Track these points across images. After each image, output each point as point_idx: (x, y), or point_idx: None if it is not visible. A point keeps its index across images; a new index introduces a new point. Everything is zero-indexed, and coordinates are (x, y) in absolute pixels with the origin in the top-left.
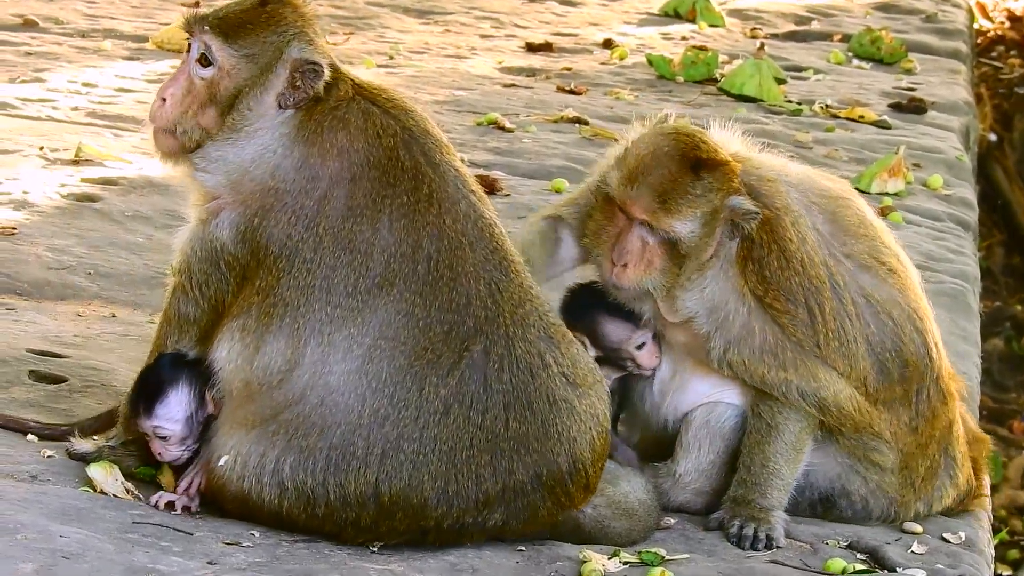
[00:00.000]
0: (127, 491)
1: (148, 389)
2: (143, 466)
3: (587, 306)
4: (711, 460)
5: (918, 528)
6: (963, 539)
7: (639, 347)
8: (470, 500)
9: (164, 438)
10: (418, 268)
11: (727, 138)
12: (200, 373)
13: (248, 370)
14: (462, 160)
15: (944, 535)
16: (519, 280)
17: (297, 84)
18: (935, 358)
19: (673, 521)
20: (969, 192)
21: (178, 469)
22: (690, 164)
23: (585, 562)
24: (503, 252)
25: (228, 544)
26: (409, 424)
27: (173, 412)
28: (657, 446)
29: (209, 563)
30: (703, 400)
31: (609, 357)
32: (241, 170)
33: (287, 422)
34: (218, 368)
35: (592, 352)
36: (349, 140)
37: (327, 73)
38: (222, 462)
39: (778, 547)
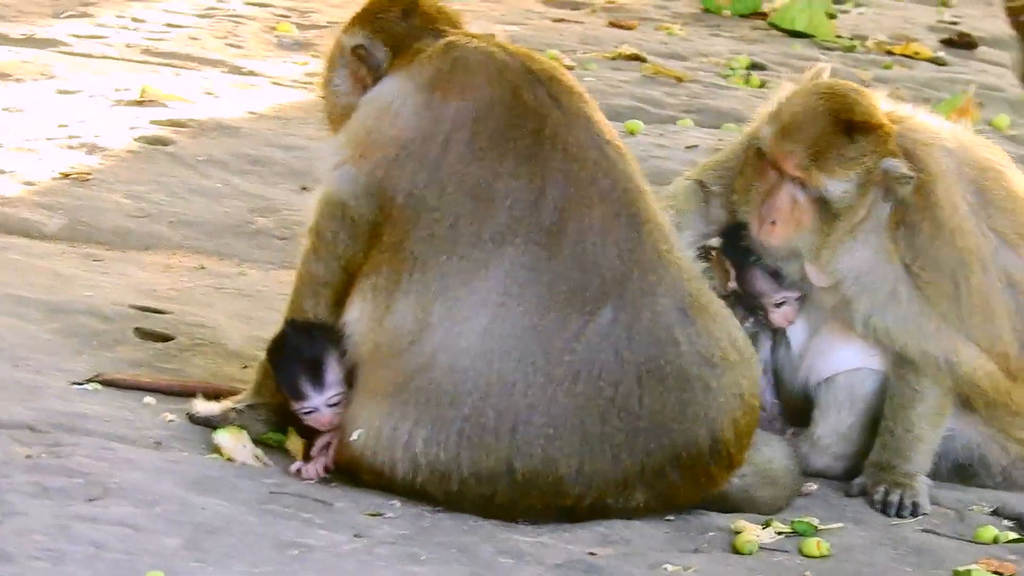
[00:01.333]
0: (256, 458)
1: (306, 362)
2: (271, 431)
3: (743, 246)
4: (851, 424)
5: None
6: None
7: (778, 304)
8: (608, 480)
9: (335, 404)
10: (541, 217)
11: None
12: (330, 330)
13: (379, 331)
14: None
15: None
16: (653, 243)
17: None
18: None
19: (815, 487)
20: None
21: (306, 434)
22: (845, 125)
23: (739, 532)
24: (637, 209)
25: (371, 515)
26: (537, 393)
27: (337, 374)
28: (791, 408)
29: (356, 536)
30: (845, 365)
31: (746, 301)
32: (359, 123)
33: (418, 390)
34: (349, 332)
35: (732, 285)
36: (470, 78)
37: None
38: (355, 436)
39: (924, 513)
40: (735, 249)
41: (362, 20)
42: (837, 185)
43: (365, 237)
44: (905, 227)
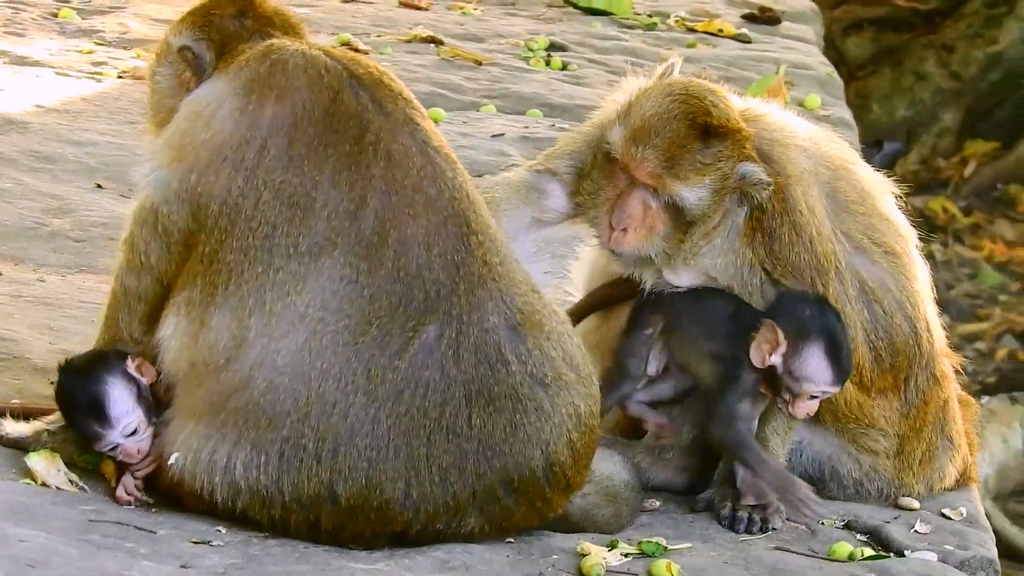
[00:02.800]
0: (71, 482)
1: (87, 404)
2: (85, 454)
3: (802, 321)
4: (693, 436)
5: (915, 504)
6: (964, 515)
7: (812, 396)
8: (439, 504)
9: (133, 433)
10: (362, 227)
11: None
12: (114, 353)
13: (194, 348)
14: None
15: (943, 511)
16: (483, 255)
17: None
18: (924, 345)
19: (658, 503)
20: (845, 111)
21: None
22: (700, 129)
23: (584, 555)
24: (465, 219)
25: (197, 543)
26: (359, 413)
27: (124, 404)
28: (628, 420)
29: (183, 566)
30: None
31: (770, 377)
32: (175, 126)
33: (236, 410)
34: (164, 348)
35: (774, 359)
36: (288, 81)
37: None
38: (172, 459)
39: (773, 529)
40: (795, 324)
41: (192, 19)
42: (692, 192)
43: (179, 247)
44: (763, 232)
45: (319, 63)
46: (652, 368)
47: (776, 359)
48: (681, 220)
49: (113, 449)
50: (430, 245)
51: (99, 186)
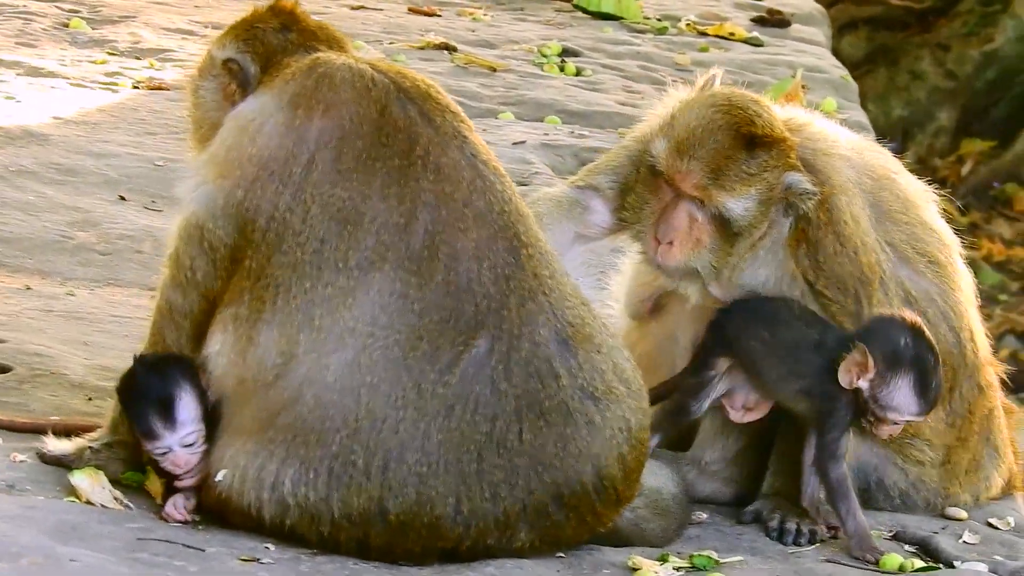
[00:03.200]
0: (116, 500)
1: (156, 400)
2: (129, 471)
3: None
4: (740, 448)
5: (963, 514)
6: (1012, 525)
7: (896, 423)
8: (489, 520)
9: (191, 445)
10: (412, 241)
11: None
12: (189, 360)
13: (242, 365)
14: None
15: (990, 520)
16: (532, 269)
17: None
18: (969, 355)
19: (705, 516)
20: (861, 115)
21: (166, 474)
22: (745, 140)
23: (636, 570)
24: (515, 233)
25: (246, 561)
26: (409, 428)
27: (191, 411)
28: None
29: None
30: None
31: (857, 402)
32: (221, 141)
33: (284, 427)
34: (211, 366)
35: (861, 383)
36: (335, 95)
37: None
38: (220, 476)
39: (821, 541)
40: (887, 350)
41: (236, 32)
42: (738, 203)
43: (225, 263)
44: (807, 243)
45: (366, 76)
46: (708, 405)
47: (863, 384)
48: (727, 232)
49: (164, 455)
50: (480, 259)
51: (122, 198)
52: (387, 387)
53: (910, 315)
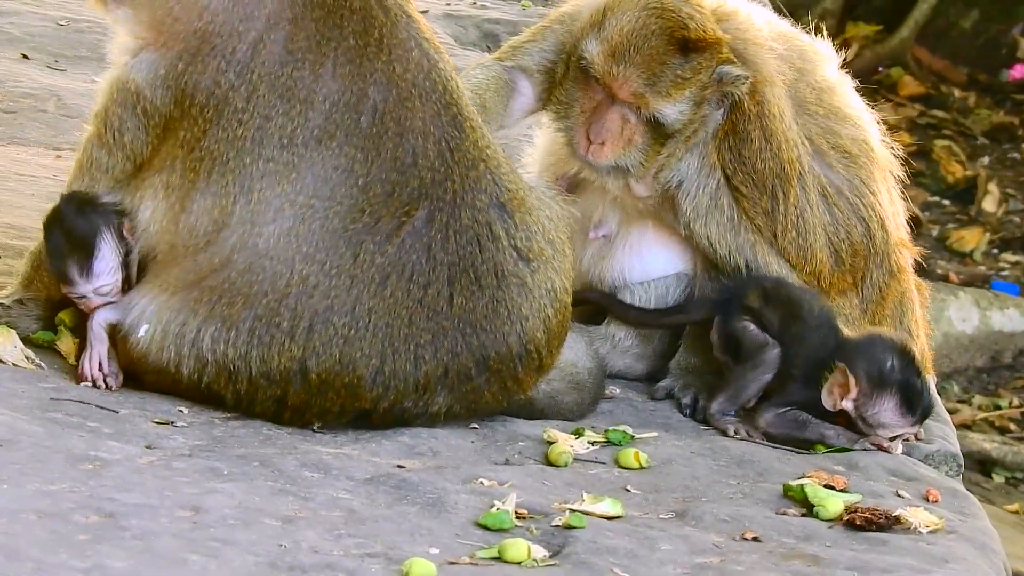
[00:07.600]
0: (27, 359)
1: (76, 247)
2: (41, 330)
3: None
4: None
5: None
6: None
7: (892, 439)
8: (408, 382)
9: (106, 294)
10: (361, 120)
11: None
12: (114, 209)
13: (174, 231)
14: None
15: None
16: (474, 138)
17: None
18: (879, 243)
19: (617, 391)
20: None
21: (79, 331)
22: (679, 44)
23: (551, 443)
24: (458, 107)
25: (160, 423)
26: (341, 295)
27: (109, 263)
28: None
29: (148, 447)
30: (659, 271)
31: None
32: (165, 8)
33: (211, 288)
34: (141, 229)
35: (845, 404)
36: None
37: None
38: (142, 332)
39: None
40: (869, 371)
41: None
42: (673, 108)
43: (158, 130)
44: (734, 136)
45: None
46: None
47: (848, 404)
48: (660, 133)
49: (80, 299)
50: (427, 134)
51: (25, 57)
52: (323, 256)
53: (894, 333)
